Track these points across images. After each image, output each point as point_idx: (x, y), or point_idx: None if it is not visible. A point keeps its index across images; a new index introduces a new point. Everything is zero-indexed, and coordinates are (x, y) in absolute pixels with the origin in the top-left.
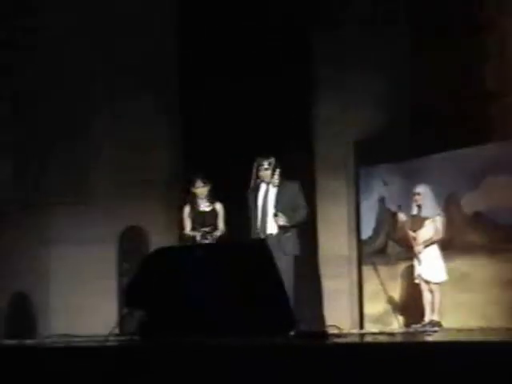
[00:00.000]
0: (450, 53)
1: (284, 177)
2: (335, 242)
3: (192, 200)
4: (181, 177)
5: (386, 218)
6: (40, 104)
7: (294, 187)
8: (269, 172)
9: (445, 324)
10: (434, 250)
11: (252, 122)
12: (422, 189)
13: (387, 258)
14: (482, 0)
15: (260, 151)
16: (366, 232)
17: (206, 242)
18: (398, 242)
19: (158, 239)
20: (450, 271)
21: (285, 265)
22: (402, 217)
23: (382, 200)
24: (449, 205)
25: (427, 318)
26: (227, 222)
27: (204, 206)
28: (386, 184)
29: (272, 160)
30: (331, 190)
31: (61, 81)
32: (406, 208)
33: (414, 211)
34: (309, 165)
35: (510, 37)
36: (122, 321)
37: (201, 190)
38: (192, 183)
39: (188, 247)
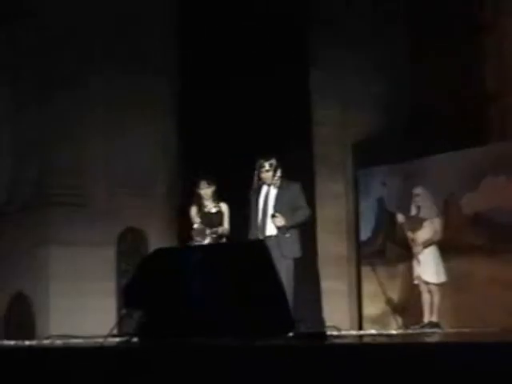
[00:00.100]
0: (449, 53)
1: (285, 178)
2: (334, 243)
3: (198, 201)
4: (180, 178)
5: (385, 219)
6: (40, 104)
7: (295, 188)
8: (270, 173)
9: (444, 325)
10: (433, 250)
11: (252, 122)
12: (420, 190)
13: (386, 259)
14: (481, 0)
15: (260, 152)
16: (365, 233)
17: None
18: (396, 243)
19: (157, 240)
20: (449, 272)
21: (284, 266)
22: (400, 218)
23: (380, 201)
24: (448, 205)
25: (426, 318)
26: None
27: (210, 207)
28: (384, 185)
29: (273, 161)
30: (330, 191)
31: (61, 81)
32: (405, 209)
33: (413, 212)
34: (308, 166)
35: (510, 37)
36: (121, 321)
37: (205, 190)
38: (196, 184)
39: (187, 248)
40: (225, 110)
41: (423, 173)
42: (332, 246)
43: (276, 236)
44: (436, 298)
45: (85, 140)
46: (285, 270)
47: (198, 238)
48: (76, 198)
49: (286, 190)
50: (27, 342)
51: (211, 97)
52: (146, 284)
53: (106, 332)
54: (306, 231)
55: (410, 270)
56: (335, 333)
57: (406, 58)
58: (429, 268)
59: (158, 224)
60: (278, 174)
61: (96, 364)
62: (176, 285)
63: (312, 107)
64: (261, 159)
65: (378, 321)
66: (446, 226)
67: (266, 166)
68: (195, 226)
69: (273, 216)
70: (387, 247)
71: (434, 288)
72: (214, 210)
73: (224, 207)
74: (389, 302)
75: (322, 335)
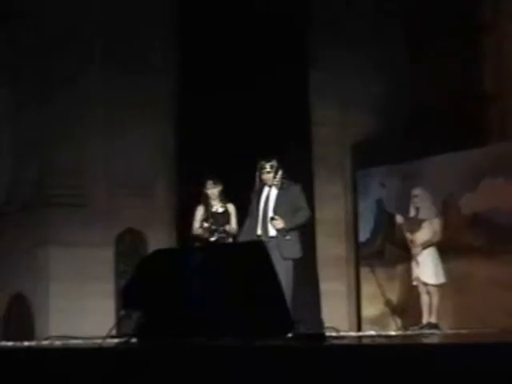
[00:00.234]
0: (449, 53)
1: (286, 179)
2: (333, 244)
3: (205, 201)
4: (180, 178)
5: (384, 220)
6: (40, 104)
7: (295, 190)
8: (271, 175)
9: (443, 326)
10: (432, 251)
11: (251, 123)
12: (419, 191)
13: (385, 260)
14: (481, 0)
15: (259, 153)
16: (364, 234)
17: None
18: (395, 244)
19: (156, 241)
20: (448, 273)
21: (284, 267)
22: (399, 219)
23: (379, 202)
24: (447, 206)
25: (425, 320)
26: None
27: (217, 207)
28: (383, 186)
29: (274, 163)
30: (329, 192)
31: (61, 81)
32: (404, 210)
33: (412, 213)
34: (307, 167)
35: (509, 37)
36: (120, 322)
37: (212, 190)
38: (203, 184)
39: (186, 249)
40: (224, 110)
41: (422, 174)
42: (331, 247)
43: (276, 237)
44: (435, 299)
45: (84, 140)
46: (284, 271)
47: (205, 237)
48: (75, 198)
49: (286, 191)
50: (26, 343)
51: (211, 97)
52: (145, 285)
53: (104, 333)
54: (305, 232)
55: (409, 271)
56: (334, 334)
57: (405, 58)
58: (428, 269)
59: (158, 225)
60: (279, 175)
61: (95, 365)
62: (175, 286)
63: (311, 107)
64: (262, 160)
65: (376, 322)
66: (445, 227)
67: (267, 167)
68: (205, 224)
69: (272, 219)
70: (386, 248)
71: (432, 289)
72: (220, 210)
73: (231, 207)
74: (388, 303)
75: (321, 336)
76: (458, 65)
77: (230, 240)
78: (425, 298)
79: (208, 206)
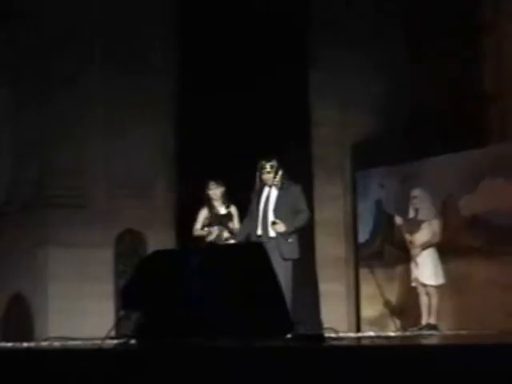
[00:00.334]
0: (449, 53)
1: (286, 179)
2: (332, 245)
3: (208, 203)
4: (179, 179)
5: (383, 221)
6: (40, 104)
7: (295, 190)
8: (271, 175)
9: (442, 327)
10: (432, 252)
11: (251, 123)
12: (418, 192)
13: (384, 261)
14: (481, 1)
15: (258, 153)
16: (363, 235)
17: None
18: (394, 245)
19: (156, 241)
20: (447, 274)
21: (283, 268)
22: (398, 220)
23: (379, 203)
24: (447, 207)
25: (424, 321)
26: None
27: (220, 209)
28: (382, 187)
29: (274, 163)
30: (328, 193)
31: (61, 81)
32: (403, 211)
33: (411, 214)
34: (306, 167)
35: (509, 37)
36: (119, 323)
37: (214, 191)
38: (204, 185)
39: (185, 249)
40: (224, 110)
41: (421, 174)
42: (330, 248)
43: (276, 238)
44: (434, 300)
45: (84, 140)
46: (283, 272)
47: (208, 238)
48: (75, 199)
49: (287, 192)
50: (25, 344)
51: (211, 97)
52: (144, 285)
53: (104, 334)
54: (305, 233)
55: (408, 272)
56: (333, 335)
57: (405, 58)
58: (427, 270)
59: (157, 225)
60: (279, 175)
61: (94, 366)
62: (174, 286)
63: (311, 108)
64: (262, 160)
65: (376, 323)
66: (445, 228)
67: (267, 167)
68: (197, 230)
69: (273, 223)
70: (385, 249)
71: (431, 290)
72: (224, 212)
73: (233, 209)
74: (387, 304)
75: (320, 337)
76: (458, 65)
77: (233, 241)
78: (424, 299)
79: (212, 208)
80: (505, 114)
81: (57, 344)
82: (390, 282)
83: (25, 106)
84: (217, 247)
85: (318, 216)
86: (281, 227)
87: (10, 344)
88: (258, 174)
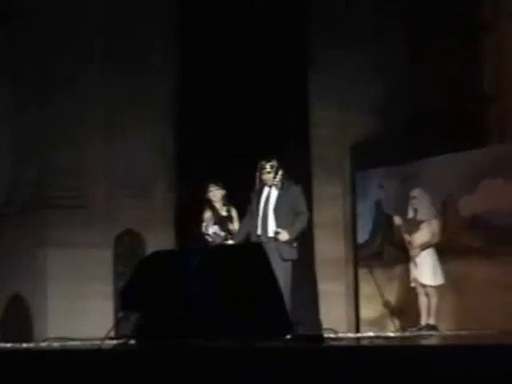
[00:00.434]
0: (449, 53)
1: (286, 180)
2: (331, 245)
3: (209, 205)
4: (179, 180)
5: (383, 222)
6: (40, 104)
7: (295, 191)
8: (271, 175)
9: (441, 327)
10: (431, 253)
11: (250, 123)
12: (417, 192)
13: (383, 261)
14: (481, 1)
15: (258, 153)
16: (363, 235)
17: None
18: (394, 246)
19: (155, 242)
20: (446, 274)
21: (282, 268)
22: (397, 220)
23: (378, 203)
24: (446, 207)
25: (423, 321)
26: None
27: (221, 211)
28: (382, 187)
29: (274, 163)
30: (328, 193)
31: (61, 81)
32: (403, 211)
33: (411, 215)
34: (305, 167)
35: (509, 38)
36: (118, 324)
37: (214, 192)
38: (205, 188)
39: (184, 250)
40: (224, 110)
41: (421, 175)
42: (329, 248)
43: (276, 238)
44: (433, 301)
45: (84, 140)
46: (283, 272)
47: (210, 240)
48: (75, 200)
49: (287, 192)
50: (25, 345)
51: (211, 97)
52: (144, 286)
53: (103, 334)
54: (304, 233)
55: (408, 272)
56: (332, 335)
57: (405, 57)
58: (426, 270)
59: (157, 225)
60: (279, 175)
61: (93, 366)
62: (173, 287)
63: (310, 108)
64: (262, 161)
65: (375, 323)
66: (444, 228)
67: (267, 167)
68: (212, 231)
69: (276, 233)
70: (385, 249)
71: (431, 290)
72: (225, 214)
73: (233, 211)
74: (386, 304)
75: (320, 337)
76: (458, 65)
77: (232, 241)
78: (423, 300)
79: (214, 210)
80: (505, 114)
81: (56, 344)
82: (389, 282)
83: (25, 106)
84: (216, 248)
85: (317, 216)
86: (284, 236)
87: (9, 345)
88: (257, 174)
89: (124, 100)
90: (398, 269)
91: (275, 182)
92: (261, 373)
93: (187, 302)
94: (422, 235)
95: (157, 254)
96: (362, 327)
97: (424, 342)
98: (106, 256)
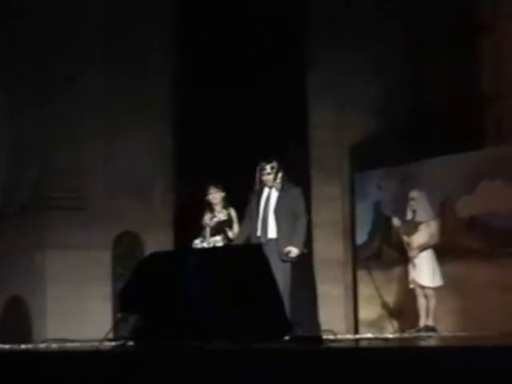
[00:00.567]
0: (449, 53)
1: (286, 181)
2: (330, 247)
3: (209, 207)
4: (178, 181)
5: (381, 223)
6: (40, 104)
7: (295, 192)
8: (271, 176)
9: (440, 329)
10: (429, 254)
11: (250, 124)
12: (416, 194)
13: (382, 262)
14: (479, 1)
15: (257, 154)
16: (361, 237)
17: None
18: (392, 247)
19: (154, 243)
20: (445, 276)
21: (282, 269)
22: (396, 221)
23: (377, 204)
24: (444, 209)
25: (422, 322)
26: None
27: (222, 215)
28: (380, 188)
29: (274, 164)
30: (326, 194)
31: (61, 81)
32: (401, 213)
33: (409, 216)
34: (304, 169)
35: (508, 38)
36: (117, 325)
37: (214, 195)
38: (205, 190)
39: (183, 251)
40: (224, 110)
41: (420, 176)
42: (328, 249)
43: (276, 239)
44: (432, 302)
45: (84, 141)
46: (282, 273)
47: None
48: (74, 201)
49: (287, 193)
50: (23, 346)
51: (210, 97)
52: (142, 287)
53: (102, 335)
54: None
55: (406, 273)
56: (331, 336)
57: (405, 58)
58: (424, 272)
59: (155, 227)
60: (280, 176)
61: (92, 368)
62: (172, 288)
63: (309, 109)
64: (262, 162)
65: (374, 324)
66: (443, 230)
67: (268, 168)
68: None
69: (287, 253)
70: (383, 251)
71: (429, 292)
72: (224, 217)
73: (233, 213)
74: (385, 305)
75: (318, 339)
76: (458, 65)
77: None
78: (422, 301)
79: (213, 213)
80: (503, 115)
81: (55, 346)
82: (388, 283)
83: (24, 106)
84: (215, 249)
85: (315, 217)
86: (294, 251)
87: (8, 346)
88: (257, 175)
89: (124, 100)
90: (397, 270)
91: (275, 184)
92: (259, 374)
93: (186, 304)
94: (421, 236)
95: (155, 256)
96: (361, 328)
97: (423, 343)
98: (105, 257)
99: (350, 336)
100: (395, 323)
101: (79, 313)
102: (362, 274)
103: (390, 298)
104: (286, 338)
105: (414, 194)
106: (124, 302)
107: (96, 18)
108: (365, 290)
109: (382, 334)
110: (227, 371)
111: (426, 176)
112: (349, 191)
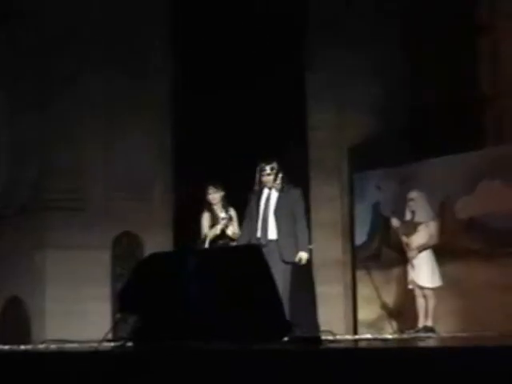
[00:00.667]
0: (449, 54)
1: (286, 182)
2: (329, 247)
3: (208, 207)
4: (178, 182)
5: (381, 223)
6: (40, 105)
7: (295, 194)
8: (271, 177)
9: (440, 329)
10: (428, 255)
11: (250, 125)
12: (415, 194)
13: (381, 263)
14: (478, 1)
15: (258, 155)
16: (361, 237)
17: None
18: (392, 248)
19: (153, 244)
20: (444, 276)
21: (281, 270)
22: (395, 222)
23: (376, 205)
24: (443, 210)
25: (421, 323)
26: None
27: (221, 214)
28: (379, 189)
29: (274, 165)
30: (325, 195)
31: (61, 81)
32: (400, 213)
33: (408, 216)
34: (303, 169)
35: (507, 39)
36: (116, 326)
37: (213, 195)
38: (204, 190)
39: (182, 252)
40: (223, 111)
41: (419, 176)
42: (327, 250)
43: (276, 240)
44: (431, 303)
45: (84, 141)
46: (281, 274)
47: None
48: (74, 202)
49: (287, 194)
50: (22, 347)
51: (210, 98)
52: (142, 288)
53: (101, 336)
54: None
55: (405, 274)
56: (330, 337)
57: (405, 58)
58: (423, 272)
59: (155, 227)
60: (280, 177)
61: (91, 368)
62: (171, 289)
63: (309, 109)
64: (262, 162)
65: (373, 325)
66: (442, 230)
67: (267, 169)
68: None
69: (299, 260)
70: (382, 251)
71: (428, 292)
72: (223, 216)
73: (232, 212)
74: (384, 306)
75: (317, 339)
76: (458, 65)
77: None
78: (421, 302)
79: (214, 212)
80: (503, 115)
81: (54, 347)
82: (387, 284)
83: (24, 107)
84: (214, 249)
85: (315, 218)
86: (305, 256)
87: (7, 346)
88: (257, 175)
89: (124, 100)
90: (396, 271)
91: (275, 185)
92: (258, 375)
93: (185, 304)
94: (420, 237)
95: (155, 256)
96: (360, 329)
97: (422, 343)
98: (104, 258)
99: (349, 336)
100: (394, 324)
101: (78, 313)
102: (361, 275)
103: (389, 298)
104: (285, 338)
105: (413, 194)
106: (123, 302)
107: (96, 18)
108: (364, 290)
109: (381, 334)
110: (226, 372)
111: (426, 176)
112: (348, 191)
